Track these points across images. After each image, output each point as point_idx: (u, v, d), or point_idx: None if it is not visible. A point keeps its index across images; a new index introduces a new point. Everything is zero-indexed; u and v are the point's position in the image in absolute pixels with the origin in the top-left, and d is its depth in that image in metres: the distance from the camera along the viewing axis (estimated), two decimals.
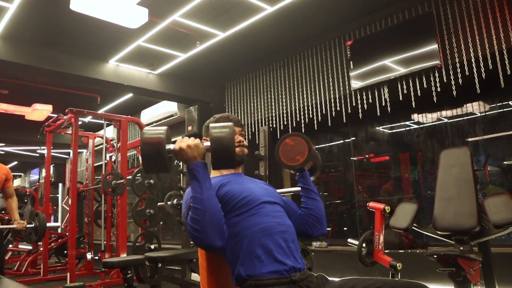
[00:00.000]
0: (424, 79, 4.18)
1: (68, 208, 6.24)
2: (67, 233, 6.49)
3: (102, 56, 5.36)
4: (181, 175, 4.99)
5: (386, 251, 3.19)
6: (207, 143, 1.53)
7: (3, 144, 10.39)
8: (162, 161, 1.44)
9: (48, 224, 4.19)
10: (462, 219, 2.82)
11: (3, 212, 6.97)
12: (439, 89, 4.07)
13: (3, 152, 11.15)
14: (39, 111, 6.68)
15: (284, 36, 5.09)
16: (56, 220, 11.28)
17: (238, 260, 1.49)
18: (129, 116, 5.96)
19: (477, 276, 2.62)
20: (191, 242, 4.98)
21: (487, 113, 4.58)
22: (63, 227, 8.14)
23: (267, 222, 1.55)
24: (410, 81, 4.29)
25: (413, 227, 2.99)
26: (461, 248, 2.77)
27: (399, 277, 2.94)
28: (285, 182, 6.36)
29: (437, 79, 4.08)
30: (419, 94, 4.23)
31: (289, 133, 1.87)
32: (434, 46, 4.02)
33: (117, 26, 4.19)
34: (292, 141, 1.84)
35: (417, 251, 4.22)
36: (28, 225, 3.75)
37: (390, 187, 5.47)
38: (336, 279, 1.57)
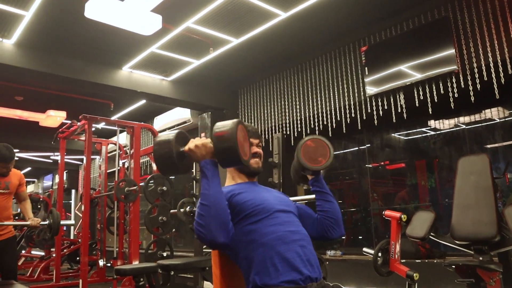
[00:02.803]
0: (441, 84, 4.15)
1: (80, 215, 6.31)
2: (79, 240, 6.55)
3: (116, 63, 5.43)
4: (194, 182, 5.01)
5: (402, 260, 3.16)
6: None
7: (17, 150, 10.57)
8: (171, 161, 1.52)
9: (62, 222, 4.22)
10: (481, 228, 2.78)
11: (17, 217, 7.07)
12: (456, 95, 4.03)
13: (17, 158, 11.33)
14: (53, 118, 6.79)
15: (298, 42, 5.10)
16: (68, 227, 11.40)
17: (253, 268, 1.49)
18: (142, 123, 6.01)
19: (498, 287, 2.57)
20: (204, 250, 4.99)
21: (506, 119, 4.52)
22: (75, 233, 8.22)
23: (282, 230, 1.56)
24: (427, 87, 4.25)
25: (430, 236, 2.96)
26: (481, 258, 2.73)
27: (416, 287, 2.90)
28: (299, 189, 6.34)
29: (455, 85, 4.04)
30: (435, 100, 4.19)
31: (310, 136, 1.89)
32: (451, 51, 3.99)
33: (130, 33, 4.25)
34: (313, 143, 1.86)
35: (435, 261, 4.17)
36: (42, 222, 3.80)
37: (406, 194, 5.42)
38: None
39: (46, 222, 3.83)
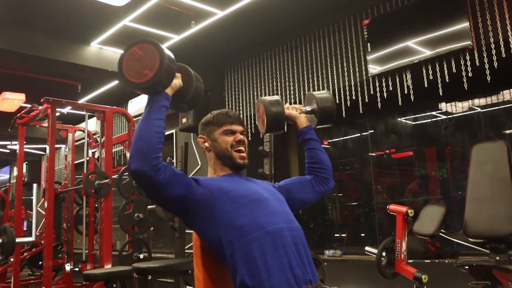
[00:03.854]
0: (453, 62, 4.16)
1: (44, 213, 6.26)
2: (42, 241, 6.50)
3: (83, 38, 5.36)
4: None
5: (409, 261, 3.20)
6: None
7: None
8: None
9: (18, 240, 4.16)
10: (497, 224, 2.82)
11: None
12: (470, 74, 4.05)
13: None
14: (10, 101, 6.69)
15: (291, 15, 5.07)
16: (29, 227, 11.32)
17: (242, 266, 1.50)
18: (114, 107, 5.95)
19: None
20: (187, 251, 5.00)
21: None
22: (38, 234, 8.16)
23: (273, 224, 1.58)
24: (437, 65, 4.27)
25: (440, 234, 2.99)
26: (497, 258, 2.77)
27: None
28: None
29: (468, 62, 4.06)
30: (447, 80, 4.21)
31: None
32: (465, 24, 4.00)
33: (99, 3, 4.19)
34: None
35: (446, 261, 4.22)
36: None
37: (417, 187, 5.47)
38: None
39: None
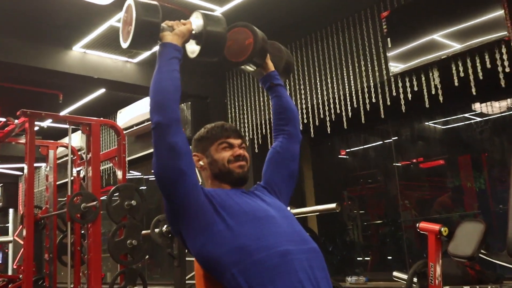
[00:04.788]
0: (487, 56, 4.16)
1: (22, 242, 6.27)
2: (20, 276, 6.51)
3: (64, 41, 5.40)
4: None
5: (445, 287, 3.18)
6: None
7: None
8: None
9: None
10: None
11: None
12: (507, 69, 4.05)
13: None
14: None
15: (300, 8, 5.10)
16: (5, 259, 11.34)
17: None
18: (101, 119, 5.99)
19: None
20: (188, 282, 4.99)
21: None
22: (15, 267, 8.17)
23: (284, 245, 1.57)
24: (468, 60, 4.27)
25: (480, 255, 2.98)
26: None
27: None
28: (308, 199, 6.35)
29: (505, 56, 4.05)
30: (480, 77, 4.20)
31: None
32: (500, 12, 4.00)
33: (82, 2, 4.23)
34: (238, 34, 2.07)
35: (488, 287, 4.19)
36: None
37: (448, 200, 5.44)
38: None
39: None
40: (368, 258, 6.04)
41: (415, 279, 3.17)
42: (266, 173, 1.97)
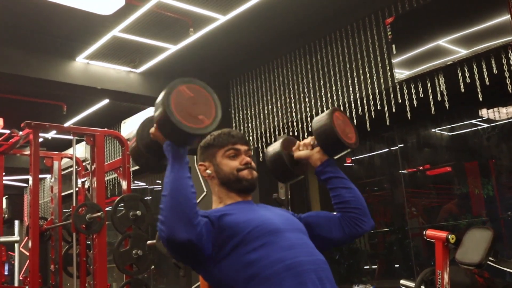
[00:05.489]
0: (493, 61, 4.15)
1: (27, 253, 6.28)
2: (27, 287, 6.51)
3: (67, 53, 5.42)
4: None
5: None
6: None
7: None
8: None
9: None
10: None
11: None
12: None
13: None
14: None
15: (303, 16, 5.11)
16: (12, 270, 11.35)
17: None
18: (105, 129, 6.00)
19: None
20: None
21: None
22: (21, 278, 8.18)
23: (292, 258, 1.56)
24: (475, 66, 4.26)
25: (489, 262, 2.95)
26: None
27: None
28: (314, 206, 6.33)
29: (511, 61, 4.05)
30: (487, 82, 4.20)
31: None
32: (506, 17, 3.99)
33: (84, 13, 4.24)
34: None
35: None
36: None
37: (455, 207, 5.42)
38: None
39: None
40: (375, 266, 6.01)
41: (422, 287, 3.15)
42: (312, 218, 1.88)
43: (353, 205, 1.83)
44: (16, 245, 11.87)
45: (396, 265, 5.96)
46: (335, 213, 1.87)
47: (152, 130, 1.65)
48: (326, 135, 1.86)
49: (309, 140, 1.92)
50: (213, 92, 1.68)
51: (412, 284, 3.25)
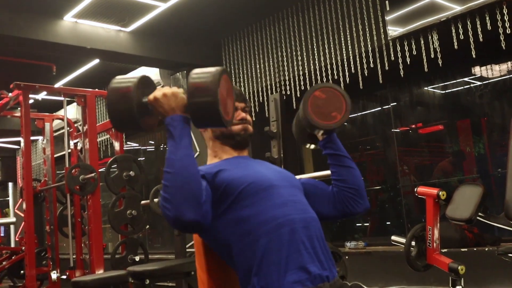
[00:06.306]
0: (487, 17, 4.11)
1: (22, 215, 6.32)
2: (23, 248, 6.58)
3: (54, 11, 5.33)
4: None
5: (443, 250, 3.21)
6: None
7: None
8: (130, 114, 1.55)
9: None
10: None
11: None
12: (509, 30, 4.01)
13: None
14: None
15: None
16: (7, 232, 11.43)
17: (251, 267, 1.52)
18: (96, 90, 5.96)
19: None
20: (188, 250, 5.05)
21: None
22: (17, 239, 8.25)
23: (285, 214, 1.59)
24: (468, 22, 4.23)
25: (478, 218, 2.99)
26: None
27: (462, 284, 2.96)
28: (307, 165, 6.37)
29: (506, 17, 4.01)
30: (481, 39, 4.17)
31: (319, 84, 1.93)
32: None
33: None
34: (324, 94, 1.89)
35: (486, 249, 4.24)
36: None
37: (449, 165, 5.46)
38: None
39: None
40: (367, 224, 6.09)
41: (413, 243, 3.19)
42: (307, 185, 1.85)
43: (349, 185, 1.84)
44: (10, 207, 11.94)
45: (387, 223, 6.05)
46: (330, 187, 1.88)
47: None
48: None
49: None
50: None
51: (403, 240, 3.29)
